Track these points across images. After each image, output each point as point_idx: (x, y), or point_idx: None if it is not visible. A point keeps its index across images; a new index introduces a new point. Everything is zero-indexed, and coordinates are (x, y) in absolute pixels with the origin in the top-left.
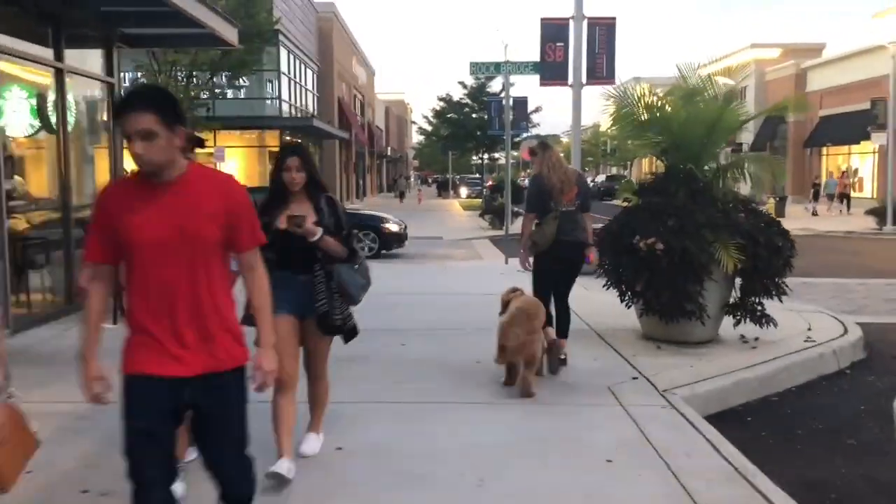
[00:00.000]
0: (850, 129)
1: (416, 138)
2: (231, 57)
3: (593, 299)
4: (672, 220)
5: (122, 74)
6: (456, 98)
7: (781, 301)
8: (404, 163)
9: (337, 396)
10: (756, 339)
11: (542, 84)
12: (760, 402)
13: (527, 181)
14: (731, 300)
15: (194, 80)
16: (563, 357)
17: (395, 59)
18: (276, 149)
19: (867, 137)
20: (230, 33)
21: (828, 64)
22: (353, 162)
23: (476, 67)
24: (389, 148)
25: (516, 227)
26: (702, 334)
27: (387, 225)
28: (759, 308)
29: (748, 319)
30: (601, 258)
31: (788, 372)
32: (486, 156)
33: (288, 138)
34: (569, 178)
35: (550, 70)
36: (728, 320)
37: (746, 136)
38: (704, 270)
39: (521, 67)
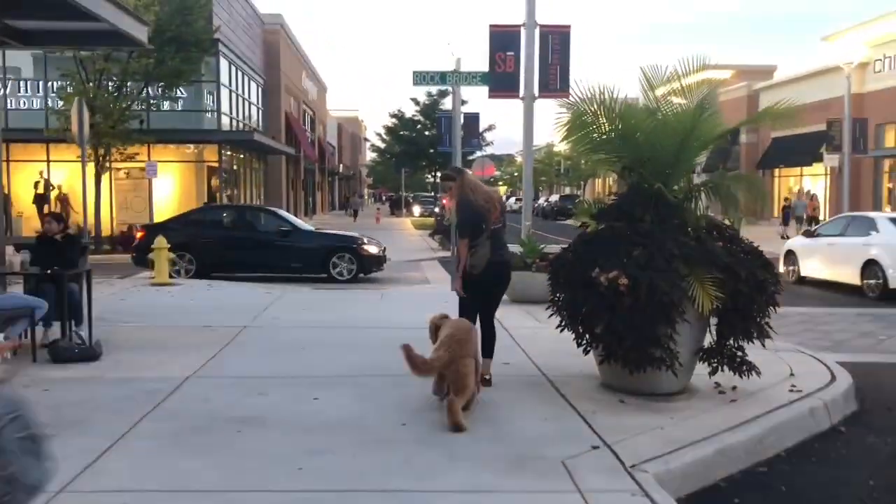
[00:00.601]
0: (802, 150)
1: (370, 155)
2: (166, 66)
3: (544, 336)
4: (638, 249)
5: (49, 84)
6: (408, 115)
7: (764, 345)
8: (357, 180)
9: (203, 482)
10: (734, 388)
11: (490, 96)
12: (747, 474)
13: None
14: (706, 344)
15: (126, 89)
16: (487, 377)
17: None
18: (216, 164)
19: (819, 159)
20: (137, 31)
21: (780, 85)
22: (301, 178)
23: (420, 77)
24: (342, 165)
25: None
26: (672, 385)
27: (365, 246)
28: (739, 354)
29: (726, 367)
30: (554, 292)
31: (777, 434)
32: (438, 174)
33: (228, 153)
34: (490, 197)
35: (500, 81)
36: (700, 366)
37: (698, 158)
38: (676, 310)
39: (469, 78)
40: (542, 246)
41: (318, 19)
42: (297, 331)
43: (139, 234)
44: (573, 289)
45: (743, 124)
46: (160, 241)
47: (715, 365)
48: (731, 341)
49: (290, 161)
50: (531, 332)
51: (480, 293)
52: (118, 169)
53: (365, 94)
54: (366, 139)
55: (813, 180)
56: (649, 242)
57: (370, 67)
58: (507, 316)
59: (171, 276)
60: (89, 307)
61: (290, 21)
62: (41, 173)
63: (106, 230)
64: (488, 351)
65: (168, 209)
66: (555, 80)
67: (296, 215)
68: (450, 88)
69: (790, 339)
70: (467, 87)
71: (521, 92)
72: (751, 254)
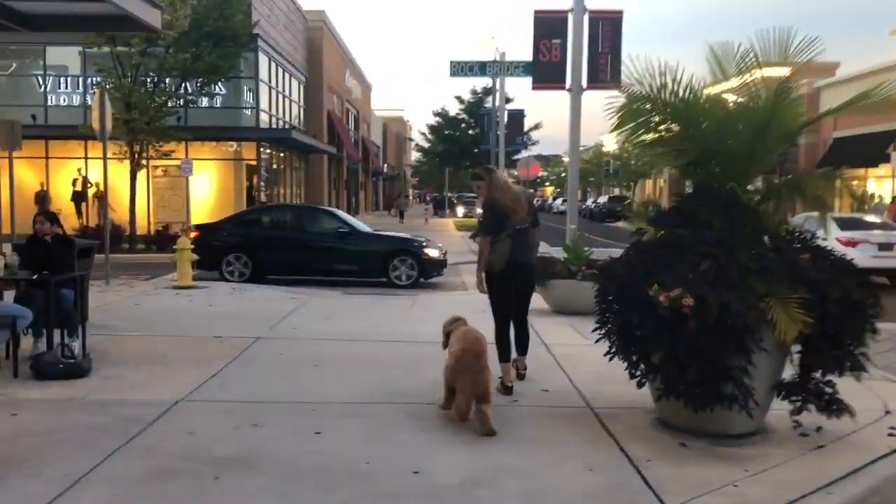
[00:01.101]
0: (867, 151)
1: (415, 155)
2: (202, 61)
3: (590, 356)
4: (706, 262)
5: (88, 80)
6: (452, 113)
7: (859, 380)
8: (402, 180)
9: None
10: (818, 429)
11: (534, 87)
12: None
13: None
14: (786, 376)
15: (163, 85)
16: (522, 372)
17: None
18: (254, 162)
19: (886, 160)
20: (148, 15)
21: (844, 82)
22: (344, 178)
23: (458, 68)
24: (386, 165)
25: None
26: (744, 426)
27: (426, 249)
28: (828, 390)
29: (812, 405)
30: (602, 312)
31: (882, 496)
32: None
33: (267, 151)
34: (518, 197)
35: (545, 71)
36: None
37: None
38: (752, 337)
39: (511, 68)
40: (588, 251)
41: (363, 18)
42: (313, 344)
43: (193, 234)
44: (626, 309)
45: (842, 108)
46: (182, 242)
47: (798, 403)
48: (819, 374)
49: (333, 160)
50: (575, 352)
51: (505, 292)
52: (156, 167)
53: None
54: (410, 139)
55: (878, 183)
56: (719, 253)
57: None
58: (549, 330)
59: (226, 278)
60: (83, 314)
61: (334, 19)
62: (79, 170)
63: (142, 229)
64: (522, 348)
65: (206, 208)
66: (605, 69)
67: None
68: (495, 85)
69: (879, 363)
70: (513, 85)
71: (568, 83)
72: (842, 268)
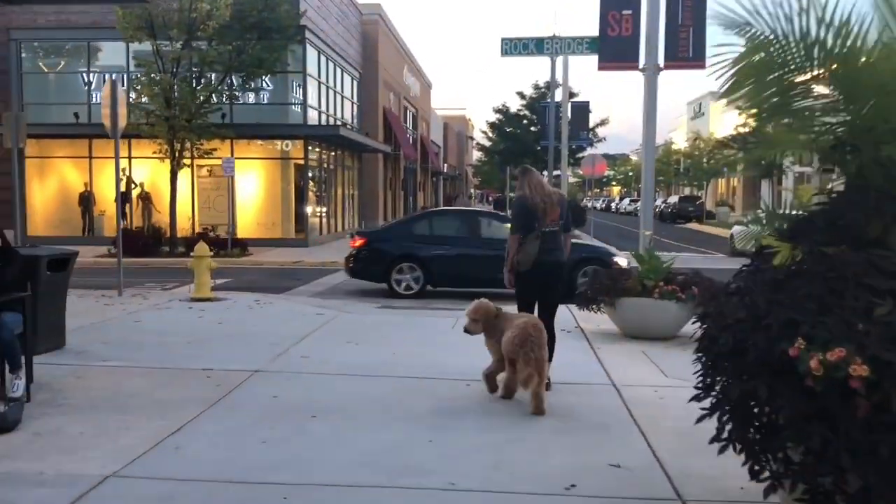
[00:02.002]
0: None
1: (476, 155)
2: (246, 55)
3: (676, 405)
4: (886, 303)
5: (123, 75)
6: (513, 109)
7: None
8: (464, 180)
9: None
10: None
11: (601, 67)
12: None
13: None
14: None
15: (206, 80)
16: (546, 381)
17: (458, 74)
18: (302, 161)
19: None
20: None
21: None
22: (400, 178)
23: (510, 46)
24: (447, 164)
25: None
26: None
27: (616, 259)
28: None
29: None
30: (706, 374)
31: None
32: (545, 173)
33: (316, 149)
34: (552, 198)
35: (613, 48)
36: None
37: None
38: None
39: (574, 45)
40: (667, 262)
41: (423, 14)
42: (319, 382)
43: (357, 243)
44: (747, 374)
45: None
46: (200, 249)
47: None
48: None
49: (389, 159)
50: (653, 397)
51: (531, 292)
52: (200, 166)
53: (473, 92)
54: (470, 138)
55: None
56: None
57: (478, 63)
58: (617, 361)
59: (395, 290)
60: (32, 345)
61: (392, 14)
62: (123, 170)
63: (184, 230)
64: (549, 353)
65: (252, 209)
66: (686, 46)
67: (394, 216)
68: (554, 71)
69: None
70: (577, 79)
71: (642, 61)
72: None
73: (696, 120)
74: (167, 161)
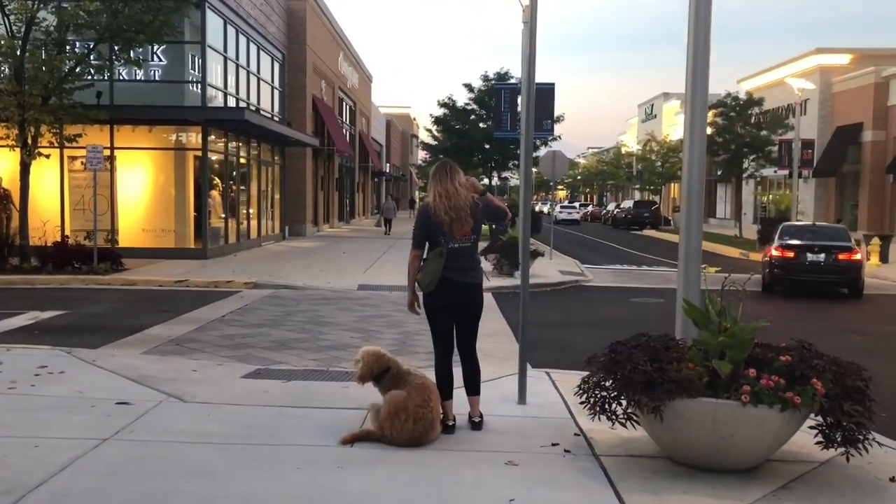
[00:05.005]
0: None
1: (421, 154)
2: (122, 17)
3: None
4: None
5: None
6: (460, 103)
7: None
8: (408, 182)
9: None
10: None
11: None
12: None
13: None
14: None
15: (68, 48)
16: (477, 420)
17: (402, 71)
18: (199, 151)
19: None
20: None
21: None
22: (335, 177)
23: None
24: (389, 165)
25: (544, 270)
26: None
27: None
28: None
29: None
30: None
31: None
32: (495, 175)
33: (221, 139)
34: (459, 213)
35: None
36: None
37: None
38: None
39: None
40: (757, 324)
41: (366, 8)
42: None
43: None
44: None
45: None
46: None
47: None
48: None
49: (321, 156)
50: None
51: (442, 318)
52: (73, 158)
53: (419, 90)
54: (415, 136)
55: None
56: None
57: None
58: None
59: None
60: None
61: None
62: None
63: (40, 237)
64: (472, 387)
65: (137, 212)
66: None
67: (326, 220)
68: (510, 72)
69: None
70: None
71: None
72: None
73: (648, 122)
74: (18, 150)
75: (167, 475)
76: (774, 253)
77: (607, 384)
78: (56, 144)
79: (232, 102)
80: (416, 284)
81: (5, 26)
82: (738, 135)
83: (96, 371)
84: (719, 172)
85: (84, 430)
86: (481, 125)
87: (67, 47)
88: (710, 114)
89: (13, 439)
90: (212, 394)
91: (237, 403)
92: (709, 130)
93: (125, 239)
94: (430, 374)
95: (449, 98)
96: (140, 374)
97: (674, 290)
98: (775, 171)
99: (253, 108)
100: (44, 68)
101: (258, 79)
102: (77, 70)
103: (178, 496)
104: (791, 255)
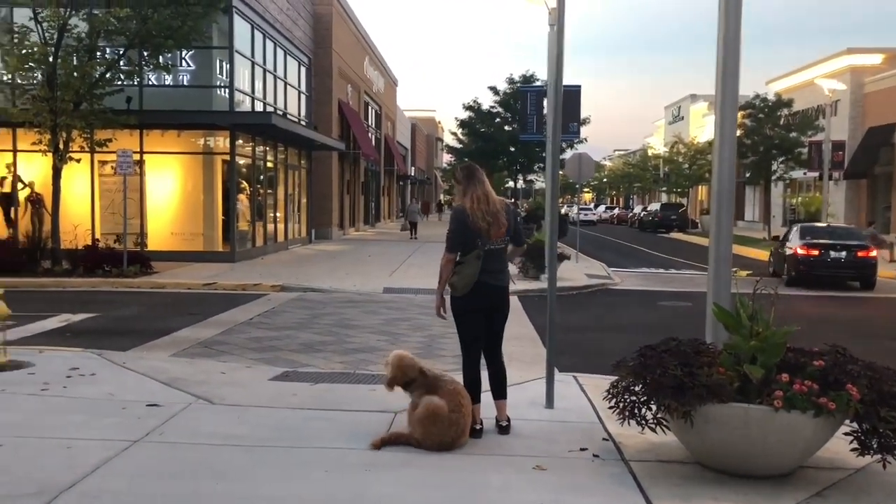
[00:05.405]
0: None
1: (447, 158)
2: (152, 22)
3: None
4: None
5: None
6: (485, 106)
7: None
8: (433, 185)
9: None
10: None
11: None
12: None
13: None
14: None
15: (99, 53)
16: (504, 424)
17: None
18: (227, 156)
19: None
20: None
21: None
22: (360, 181)
23: None
24: (414, 168)
25: (570, 273)
26: None
27: None
28: None
29: None
30: None
31: None
32: (520, 178)
33: (249, 144)
34: (496, 216)
35: None
36: None
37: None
38: None
39: None
40: (789, 329)
41: (391, 11)
42: None
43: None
44: None
45: None
46: None
47: None
48: None
49: (346, 159)
50: None
51: (472, 321)
52: (104, 162)
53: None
54: (440, 139)
55: None
56: None
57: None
58: None
59: None
60: None
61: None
62: (8, 167)
63: (71, 240)
64: (499, 391)
65: (166, 216)
66: None
67: (352, 224)
68: (535, 74)
69: None
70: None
71: None
72: None
73: (675, 124)
74: (50, 155)
75: (196, 477)
76: (800, 251)
77: (636, 388)
78: (87, 149)
79: (259, 107)
80: (448, 288)
81: (38, 33)
82: (767, 136)
83: (126, 373)
84: (748, 175)
85: (115, 431)
86: (506, 128)
87: (98, 53)
88: (739, 115)
89: (46, 440)
90: (240, 396)
91: (265, 406)
92: (737, 132)
93: (154, 242)
94: (457, 378)
95: (474, 101)
96: (169, 376)
97: (702, 293)
98: (805, 174)
99: (280, 113)
100: (75, 74)
101: (285, 83)
102: (107, 76)
103: (207, 498)
104: (816, 252)
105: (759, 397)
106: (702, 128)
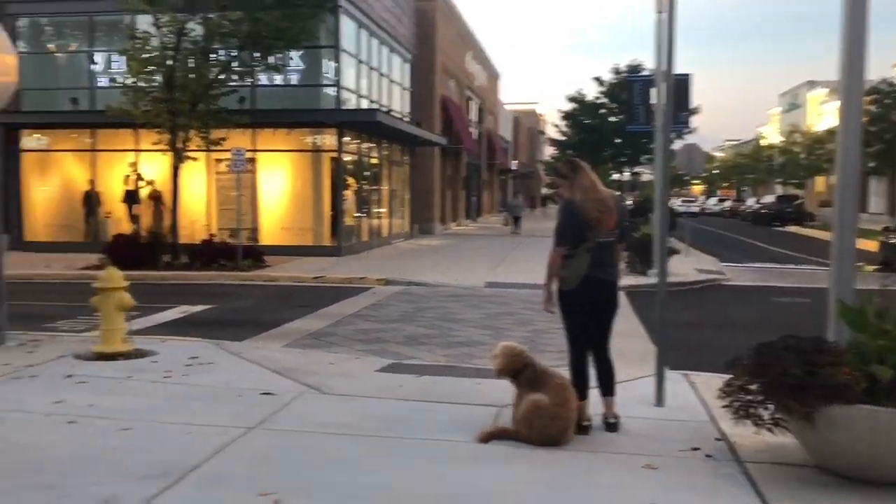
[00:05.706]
0: None
1: (549, 151)
2: (263, 24)
3: None
4: None
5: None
6: (590, 97)
7: None
8: (535, 179)
9: None
10: None
11: None
12: None
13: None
14: None
15: (213, 56)
16: (612, 421)
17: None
18: (334, 153)
19: None
20: None
21: None
22: (462, 175)
23: None
24: (516, 162)
25: (680, 268)
26: None
27: None
28: None
29: None
30: None
31: None
32: (626, 170)
33: (355, 141)
34: (607, 203)
35: None
36: None
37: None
38: None
39: None
40: None
41: (492, 2)
42: None
43: None
44: None
45: None
46: (109, 277)
47: None
48: None
49: (448, 155)
50: None
51: (581, 316)
52: (219, 161)
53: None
54: (542, 132)
55: None
56: None
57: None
58: None
59: None
60: None
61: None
62: (131, 165)
63: (189, 235)
64: (607, 387)
65: (277, 211)
66: None
67: (453, 218)
68: (643, 63)
69: None
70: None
71: None
72: None
73: (791, 112)
74: (169, 154)
75: (307, 464)
76: None
77: (752, 387)
78: (203, 148)
79: (364, 104)
80: (557, 281)
81: (158, 38)
82: (894, 124)
83: (242, 363)
84: (871, 164)
85: (232, 418)
86: (611, 119)
87: (212, 56)
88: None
89: (169, 425)
90: (349, 386)
91: (373, 396)
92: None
93: (266, 237)
94: (563, 373)
95: (578, 92)
96: (282, 366)
97: (821, 289)
98: None
99: (384, 110)
100: (192, 76)
101: (389, 80)
102: (221, 77)
103: (317, 486)
104: None
105: (888, 399)
106: (820, 115)
